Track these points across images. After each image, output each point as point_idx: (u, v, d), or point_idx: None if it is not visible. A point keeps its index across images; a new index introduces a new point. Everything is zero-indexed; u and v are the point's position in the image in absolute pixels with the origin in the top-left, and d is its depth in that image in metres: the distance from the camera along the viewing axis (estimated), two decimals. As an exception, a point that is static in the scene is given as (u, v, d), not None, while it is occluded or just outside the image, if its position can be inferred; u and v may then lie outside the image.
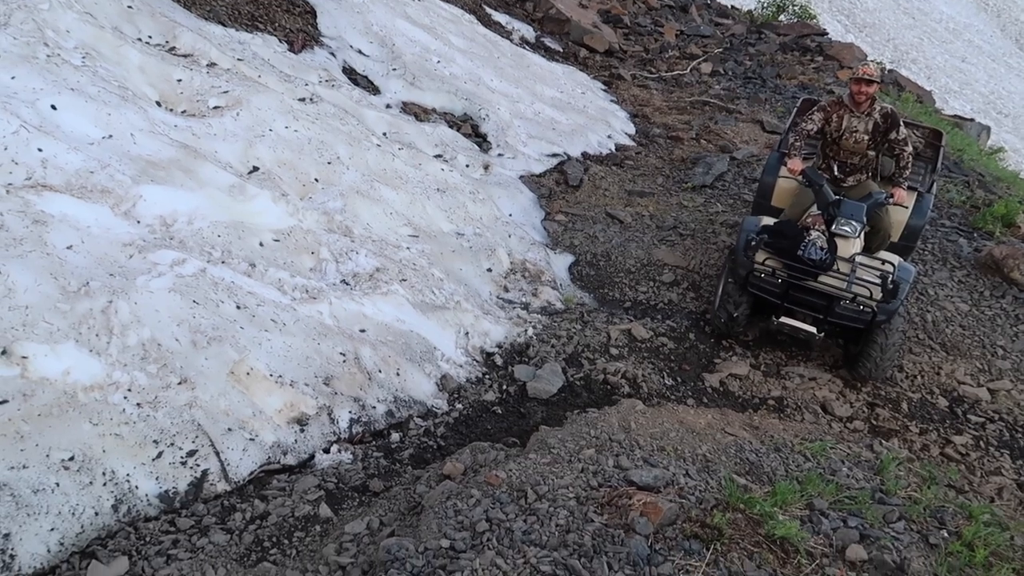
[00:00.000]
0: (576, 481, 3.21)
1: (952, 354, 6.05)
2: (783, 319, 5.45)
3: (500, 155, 8.13)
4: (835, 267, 5.18)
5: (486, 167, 7.63)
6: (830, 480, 3.70)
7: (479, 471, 3.55)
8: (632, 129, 9.97)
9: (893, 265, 5.23)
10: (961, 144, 10.76)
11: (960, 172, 9.40)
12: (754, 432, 4.17)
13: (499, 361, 5.22)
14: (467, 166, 7.48)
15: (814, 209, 5.45)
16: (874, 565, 2.97)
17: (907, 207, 5.70)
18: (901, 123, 5.58)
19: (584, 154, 8.80)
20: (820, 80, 12.28)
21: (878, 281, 5.11)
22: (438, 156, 7.33)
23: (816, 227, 5.26)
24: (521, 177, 7.83)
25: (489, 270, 6.09)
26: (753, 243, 5.37)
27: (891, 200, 5.41)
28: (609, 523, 2.92)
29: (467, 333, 5.27)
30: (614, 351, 5.49)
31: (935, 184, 6.14)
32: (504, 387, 4.98)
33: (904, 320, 5.65)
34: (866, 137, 5.60)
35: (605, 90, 11.15)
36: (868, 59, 5.63)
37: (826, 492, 3.51)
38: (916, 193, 5.86)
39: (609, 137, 9.44)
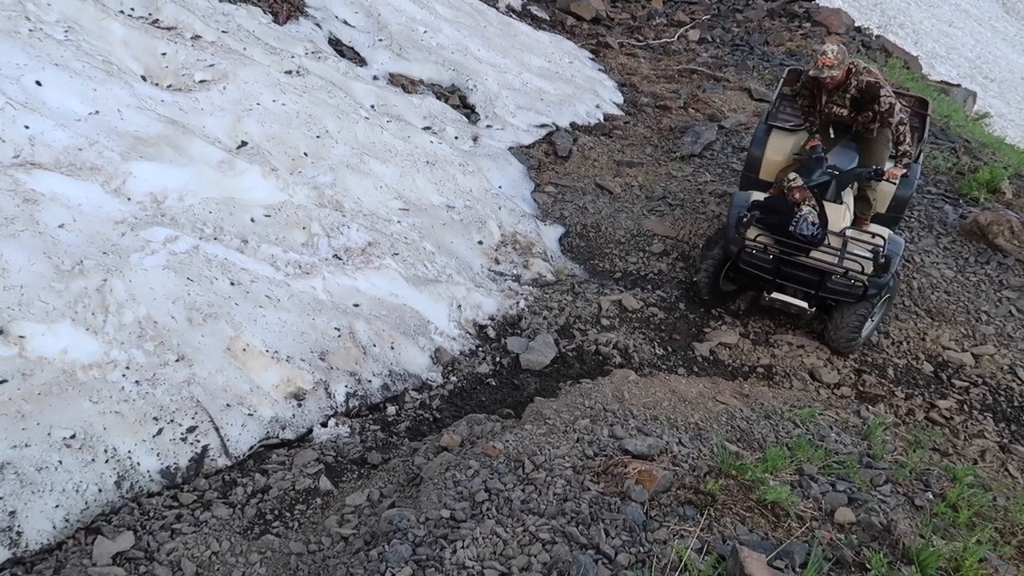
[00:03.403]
0: (572, 451, 3.28)
1: (937, 320, 6.15)
2: (775, 295, 5.46)
3: (489, 126, 8.09)
4: (826, 242, 5.16)
5: (475, 139, 7.61)
6: (819, 446, 3.79)
7: (476, 442, 3.62)
8: (620, 98, 9.93)
9: (883, 238, 5.22)
10: (947, 110, 10.80)
11: (946, 138, 9.45)
12: (744, 400, 4.25)
13: (492, 333, 5.26)
14: (456, 138, 7.45)
15: (797, 180, 5.31)
16: (862, 527, 3.06)
17: (895, 183, 5.60)
18: (882, 93, 5.27)
19: (573, 124, 8.77)
20: (808, 47, 12.23)
21: (869, 255, 5.10)
22: (427, 128, 7.30)
23: (807, 202, 5.23)
24: (510, 148, 7.81)
25: (480, 243, 6.11)
26: (744, 219, 5.36)
27: (880, 176, 5.29)
28: (605, 491, 3.00)
29: (460, 306, 5.31)
30: (605, 322, 5.55)
31: (921, 153, 6.10)
32: (497, 359, 5.03)
33: (893, 292, 5.66)
34: (845, 111, 5.45)
35: (592, 59, 11.08)
36: (826, 46, 5.22)
37: (815, 457, 3.60)
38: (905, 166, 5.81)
39: (597, 107, 9.40)
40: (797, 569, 2.66)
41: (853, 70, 5.31)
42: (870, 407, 4.86)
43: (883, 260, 5.06)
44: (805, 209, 5.18)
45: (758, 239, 5.37)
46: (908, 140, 5.36)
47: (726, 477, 3.15)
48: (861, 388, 5.32)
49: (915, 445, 4.24)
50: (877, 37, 13.94)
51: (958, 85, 13.83)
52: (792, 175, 5.41)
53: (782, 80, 6.64)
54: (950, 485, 3.68)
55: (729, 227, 5.51)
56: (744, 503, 3.04)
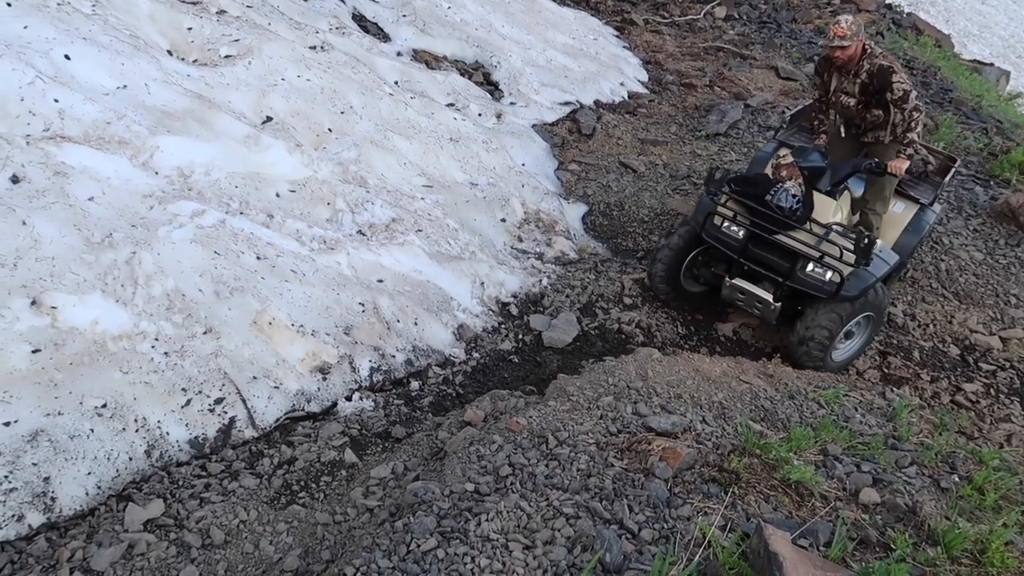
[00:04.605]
0: (596, 427, 3.28)
1: (965, 303, 6.07)
2: (736, 280, 4.89)
3: (512, 104, 8.05)
4: (807, 226, 4.67)
5: (499, 116, 7.57)
6: (843, 426, 3.77)
7: (499, 418, 3.64)
8: (645, 76, 9.82)
9: (873, 240, 4.60)
10: (979, 90, 10.59)
11: (978, 119, 9.27)
12: (768, 380, 4.23)
13: (514, 311, 5.27)
14: (480, 115, 7.42)
15: (787, 157, 4.94)
16: (887, 508, 3.05)
17: (897, 175, 4.99)
18: (895, 79, 4.86)
19: (597, 102, 8.70)
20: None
21: (851, 245, 4.56)
22: (450, 105, 7.27)
23: (793, 179, 4.76)
24: (534, 126, 7.77)
25: (503, 220, 6.10)
26: (716, 175, 4.93)
27: (882, 170, 4.89)
28: (629, 468, 3.00)
29: (482, 283, 5.31)
30: (628, 300, 5.54)
31: (938, 201, 5.61)
32: (520, 336, 5.04)
33: (878, 312, 4.89)
34: (853, 100, 5.05)
35: (617, 36, 10.96)
36: (840, 16, 4.99)
37: (840, 438, 3.58)
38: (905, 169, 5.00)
39: (622, 84, 9.32)
40: (821, 548, 2.66)
41: (868, 51, 4.97)
42: (895, 389, 4.82)
43: (864, 244, 4.49)
44: (788, 183, 4.73)
45: (728, 204, 4.86)
46: (919, 131, 4.97)
47: (750, 456, 3.15)
48: (886, 370, 5.27)
49: (941, 428, 4.20)
50: (908, 15, 13.66)
51: (991, 64, 13.53)
52: (783, 152, 5.07)
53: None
54: (976, 468, 3.65)
55: (702, 197, 5.04)
56: (768, 482, 3.04)
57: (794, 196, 4.67)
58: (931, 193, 5.49)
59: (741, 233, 4.83)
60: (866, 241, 4.52)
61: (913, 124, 4.94)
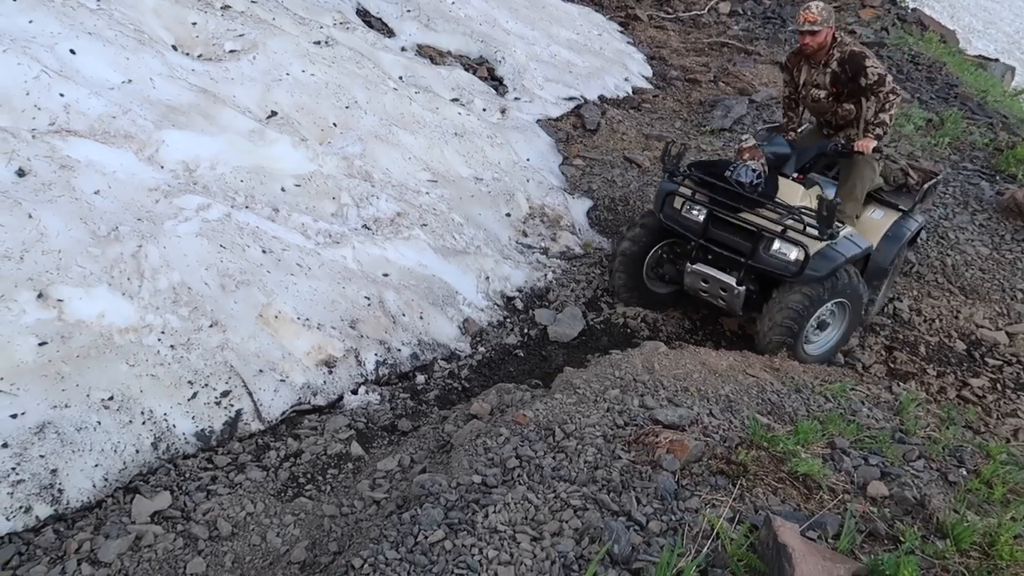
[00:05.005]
0: (602, 420, 3.28)
1: (971, 298, 6.05)
2: (698, 266, 4.69)
3: (517, 99, 8.04)
4: (770, 206, 4.50)
5: (503, 111, 7.56)
6: (851, 420, 3.76)
7: (505, 411, 3.63)
8: (649, 71, 9.80)
9: (834, 203, 4.40)
10: (985, 86, 10.56)
11: (984, 114, 9.25)
12: (775, 373, 4.22)
13: (520, 305, 5.27)
14: (484, 110, 7.41)
15: (749, 140, 4.74)
16: (895, 501, 3.04)
17: (864, 154, 4.76)
18: (868, 64, 4.69)
19: (601, 97, 8.69)
20: (841, 20, 11.98)
21: (813, 215, 4.36)
22: (455, 100, 7.26)
23: (756, 159, 4.56)
24: (538, 121, 7.76)
25: (508, 215, 6.09)
26: (674, 153, 4.78)
27: (848, 151, 4.73)
28: (636, 460, 3.00)
29: (488, 277, 5.31)
30: (633, 295, 5.52)
31: (919, 209, 5.44)
32: (525, 331, 5.04)
33: (854, 301, 4.66)
34: (823, 93, 4.89)
35: (621, 31, 10.94)
36: (810, 1, 4.80)
37: (847, 431, 3.57)
38: (879, 152, 4.82)
39: (626, 80, 9.30)
40: (830, 540, 2.65)
41: (837, 40, 4.82)
42: (901, 384, 4.81)
43: (826, 211, 4.26)
44: (751, 162, 4.53)
45: (686, 182, 4.70)
46: (892, 113, 4.77)
47: (757, 449, 3.14)
48: (892, 365, 5.26)
49: (948, 422, 4.19)
50: (913, 10, 13.61)
51: (996, 60, 13.49)
52: (746, 136, 4.91)
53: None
54: (984, 462, 3.64)
55: (661, 184, 4.86)
56: (776, 475, 3.03)
57: (754, 171, 4.50)
58: (911, 201, 5.31)
59: (701, 215, 4.63)
60: (827, 206, 4.29)
61: (888, 106, 4.74)
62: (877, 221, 5.16)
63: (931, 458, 3.54)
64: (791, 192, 4.62)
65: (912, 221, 5.29)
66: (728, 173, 4.55)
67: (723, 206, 4.57)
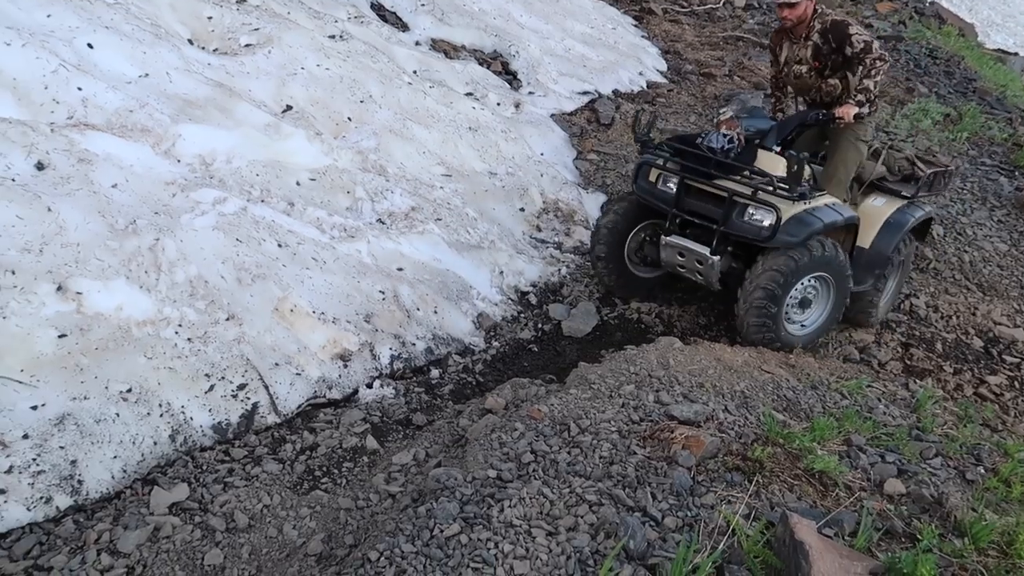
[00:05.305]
0: (618, 415, 3.27)
1: (989, 294, 6.00)
2: (672, 237, 4.59)
3: (531, 93, 8.02)
4: (743, 172, 4.36)
5: (517, 105, 7.55)
6: (867, 417, 3.74)
7: (520, 406, 3.63)
8: (664, 66, 9.76)
9: (803, 159, 4.21)
10: (1004, 80, 10.44)
11: (1002, 109, 9.15)
12: (791, 370, 4.20)
13: (533, 300, 5.27)
14: (498, 104, 7.40)
15: (727, 112, 4.71)
16: (912, 499, 3.02)
17: (843, 121, 4.56)
18: (852, 32, 4.49)
19: (615, 92, 8.66)
20: (859, 12, 11.88)
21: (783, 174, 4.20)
22: (469, 94, 7.25)
23: (732, 130, 4.46)
24: (552, 115, 7.74)
25: (522, 209, 6.09)
26: (644, 121, 4.69)
27: (828, 116, 4.55)
28: (652, 456, 2.99)
29: (501, 272, 5.31)
30: (648, 290, 5.50)
31: (923, 198, 5.26)
32: (539, 325, 5.04)
33: (837, 275, 4.48)
34: (805, 68, 4.71)
35: (636, 25, 10.90)
36: None
37: (863, 428, 3.55)
38: (864, 118, 4.59)
39: (640, 74, 9.26)
40: (847, 537, 2.64)
41: (818, 11, 4.64)
42: (918, 381, 4.77)
43: (795, 169, 4.12)
44: (724, 129, 4.44)
45: (659, 151, 4.60)
46: (878, 79, 4.57)
47: (773, 445, 3.13)
48: (909, 362, 5.22)
49: (965, 420, 4.16)
50: (931, 3, 13.47)
51: (1015, 54, 13.35)
52: (724, 109, 4.84)
53: None
54: (1002, 460, 3.61)
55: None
56: (792, 471, 3.02)
57: (725, 136, 4.40)
58: (915, 189, 5.16)
59: (674, 185, 4.53)
60: (795, 162, 4.13)
61: (873, 72, 4.54)
62: (878, 208, 5.02)
63: (948, 456, 3.52)
64: (771, 163, 4.46)
65: (917, 210, 5.14)
66: (700, 140, 4.46)
67: (695, 173, 4.46)
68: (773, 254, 4.33)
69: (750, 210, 4.34)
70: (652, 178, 4.66)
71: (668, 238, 4.61)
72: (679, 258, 4.61)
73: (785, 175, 4.28)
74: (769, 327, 4.42)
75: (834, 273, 4.52)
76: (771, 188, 4.24)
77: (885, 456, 3.32)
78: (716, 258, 4.46)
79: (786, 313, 4.52)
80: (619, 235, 5.02)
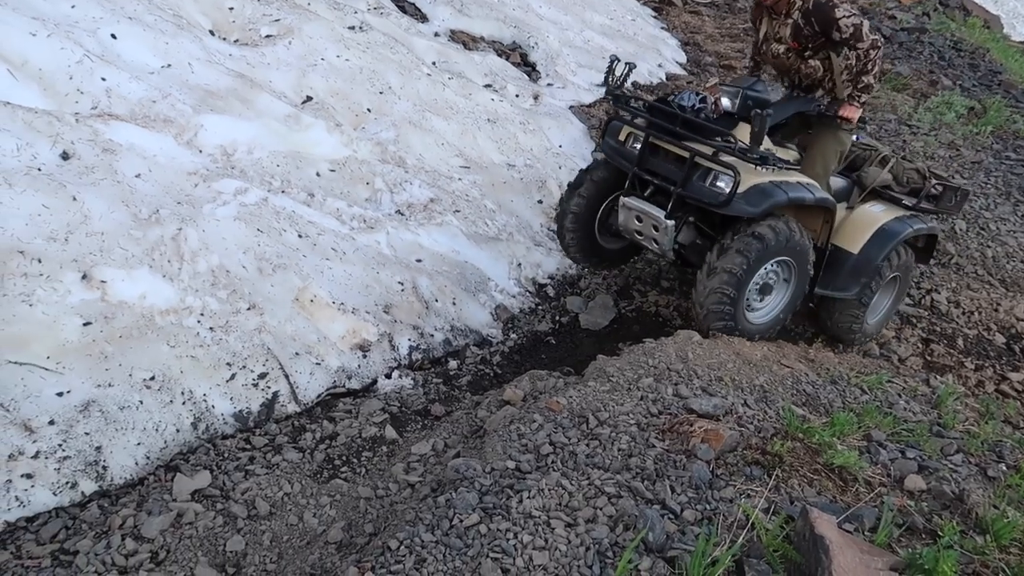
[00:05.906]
0: (636, 408, 3.27)
1: (1012, 290, 5.94)
2: (630, 199, 4.29)
3: (549, 85, 8.00)
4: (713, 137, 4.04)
5: (536, 97, 7.53)
6: (887, 412, 3.72)
7: (539, 397, 3.64)
8: (683, 57, 9.70)
9: (765, 115, 3.82)
10: (1029, 73, 10.30)
11: (1028, 102, 9.02)
12: (810, 365, 4.18)
13: (551, 292, 5.27)
14: (517, 96, 7.39)
15: (713, 81, 4.38)
16: (933, 495, 3.00)
17: (848, 123, 4.38)
18: (839, 15, 4.12)
19: (634, 84, 8.60)
20: (881, 5, 11.74)
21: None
22: (488, 86, 7.24)
23: (712, 94, 4.16)
24: (571, 107, 7.72)
25: (540, 202, 6.08)
26: (619, 72, 4.39)
27: (832, 111, 4.35)
28: (671, 448, 3.00)
29: (519, 264, 5.31)
30: (665, 283, 5.51)
31: (927, 212, 4.97)
32: (557, 318, 5.04)
33: (800, 261, 4.21)
34: (783, 48, 4.37)
35: (655, 17, 10.83)
36: None
37: (883, 424, 3.53)
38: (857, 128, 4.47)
39: (660, 66, 9.21)
40: (867, 532, 2.63)
41: None
42: (939, 377, 4.74)
43: (756, 128, 3.80)
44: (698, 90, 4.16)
45: (629, 106, 4.37)
46: (876, 72, 4.26)
47: (793, 440, 3.12)
48: (929, 358, 5.19)
49: (986, 416, 4.13)
50: (956, -5, 13.27)
51: (1042, 47, 13.11)
52: (713, 80, 4.58)
53: None
54: (1024, 457, 3.59)
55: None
56: (811, 466, 3.01)
57: (698, 95, 4.17)
58: (921, 201, 4.92)
59: (639, 144, 4.23)
60: (758, 120, 3.79)
61: (870, 65, 4.21)
62: (874, 214, 4.76)
63: (970, 452, 3.49)
64: (744, 134, 4.11)
65: (918, 223, 4.83)
66: (671, 97, 4.25)
67: (660, 130, 4.18)
68: (740, 234, 4.02)
69: (712, 175, 4.07)
70: (622, 137, 4.41)
71: (626, 199, 4.32)
72: (636, 223, 4.31)
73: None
74: (729, 313, 4.11)
75: (797, 258, 4.23)
76: (731, 149, 3.96)
77: (905, 452, 3.30)
78: (670, 222, 4.13)
79: (747, 300, 4.23)
80: (593, 202, 4.72)
